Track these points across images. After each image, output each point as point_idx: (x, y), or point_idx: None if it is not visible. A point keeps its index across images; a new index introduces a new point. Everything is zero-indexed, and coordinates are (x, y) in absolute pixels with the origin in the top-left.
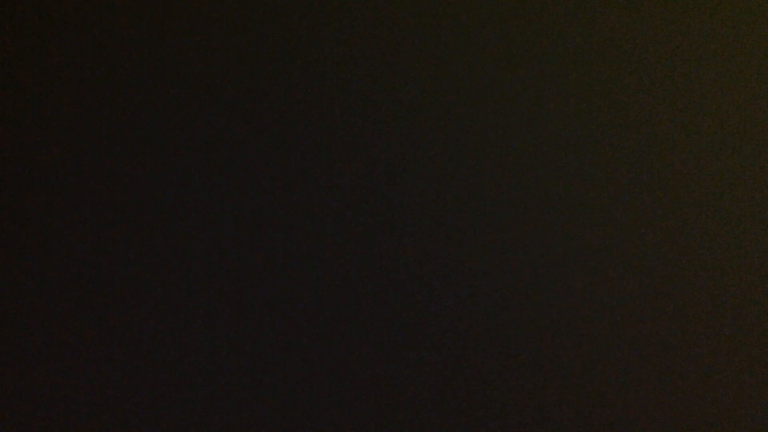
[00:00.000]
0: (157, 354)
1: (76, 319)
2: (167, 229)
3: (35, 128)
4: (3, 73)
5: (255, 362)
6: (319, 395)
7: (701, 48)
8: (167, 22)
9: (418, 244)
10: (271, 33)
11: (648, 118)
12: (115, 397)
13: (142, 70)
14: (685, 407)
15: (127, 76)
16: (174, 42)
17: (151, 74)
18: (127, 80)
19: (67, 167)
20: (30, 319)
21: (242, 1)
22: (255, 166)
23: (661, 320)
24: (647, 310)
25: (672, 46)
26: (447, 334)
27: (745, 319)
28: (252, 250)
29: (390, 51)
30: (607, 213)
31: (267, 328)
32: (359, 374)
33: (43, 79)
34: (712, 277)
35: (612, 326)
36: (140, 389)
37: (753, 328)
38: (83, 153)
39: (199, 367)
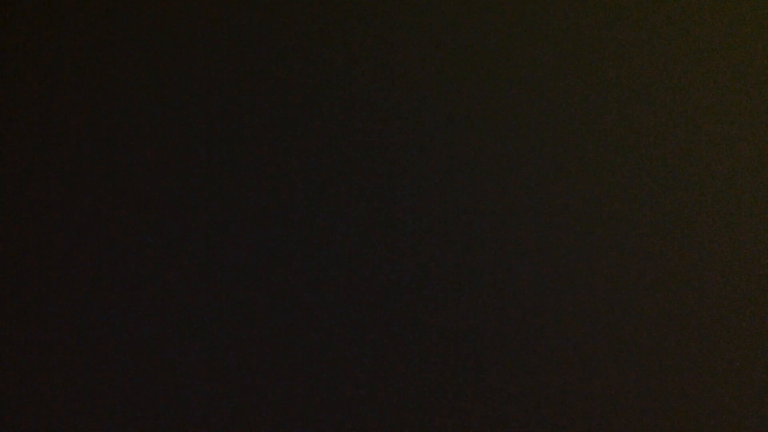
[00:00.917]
0: (157, 354)
1: (75, 319)
2: (167, 228)
3: (35, 128)
4: (3, 73)
5: (255, 362)
6: (319, 395)
7: (701, 48)
8: (167, 22)
9: (418, 244)
10: (271, 33)
11: (648, 118)
12: (115, 397)
13: (141, 70)
14: (685, 407)
15: (127, 75)
16: (174, 42)
17: (151, 74)
18: (127, 80)
19: (67, 167)
20: (30, 319)
21: (242, 1)
22: (255, 165)
23: (661, 320)
24: (647, 310)
25: (672, 45)
26: (447, 334)
27: (745, 318)
28: (252, 249)
29: (390, 51)
30: (607, 213)
31: (267, 328)
32: (359, 374)
33: (43, 79)
34: (712, 277)
35: (612, 326)
36: (140, 389)
37: (753, 327)
38: (83, 153)
39: (199, 367)
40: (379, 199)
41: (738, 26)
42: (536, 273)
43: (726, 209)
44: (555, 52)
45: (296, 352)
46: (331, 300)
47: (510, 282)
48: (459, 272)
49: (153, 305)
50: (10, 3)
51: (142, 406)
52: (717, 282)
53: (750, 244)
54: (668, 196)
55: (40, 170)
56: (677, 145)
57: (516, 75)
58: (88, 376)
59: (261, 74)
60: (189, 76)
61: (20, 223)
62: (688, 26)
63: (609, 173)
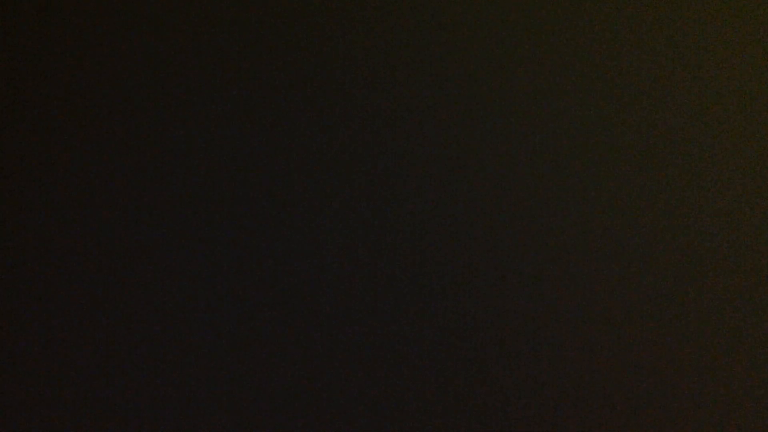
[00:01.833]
0: (157, 354)
1: (76, 319)
2: (167, 228)
3: (35, 128)
4: (3, 73)
5: (255, 362)
6: (319, 395)
7: (701, 48)
8: (167, 22)
9: (418, 243)
10: (271, 33)
11: (648, 118)
12: (115, 397)
13: (142, 70)
14: (685, 407)
15: (127, 75)
16: (174, 41)
17: (151, 74)
18: (127, 80)
19: (67, 167)
20: (30, 319)
21: (243, 1)
22: (255, 165)
23: (661, 320)
24: (647, 310)
25: (672, 46)
26: (447, 333)
27: (745, 319)
28: (252, 249)
29: (390, 51)
30: (607, 213)
31: (267, 328)
32: (359, 374)
33: (43, 78)
34: (713, 277)
35: (612, 326)
36: (140, 389)
37: (753, 328)
38: (83, 153)
39: (199, 367)
40: (379, 199)
41: (738, 26)
42: (536, 273)
43: (726, 209)
44: (555, 52)
45: (296, 352)
46: (331, 300)
47: (510, 282)
48: (459, 272)
49: (153, 305)
50: (10, 3)
51: (142, 406)
52: (717, 282)
53: (750, 244)
54: (668, 196)
55: (40, 170)
56: (677, 145)
57: (516, 75)
58: (88, 376)
59: (261, 74)
60: (189, 76)
61: (20, 223)
62: (689, 26)
63: (609, 173)
